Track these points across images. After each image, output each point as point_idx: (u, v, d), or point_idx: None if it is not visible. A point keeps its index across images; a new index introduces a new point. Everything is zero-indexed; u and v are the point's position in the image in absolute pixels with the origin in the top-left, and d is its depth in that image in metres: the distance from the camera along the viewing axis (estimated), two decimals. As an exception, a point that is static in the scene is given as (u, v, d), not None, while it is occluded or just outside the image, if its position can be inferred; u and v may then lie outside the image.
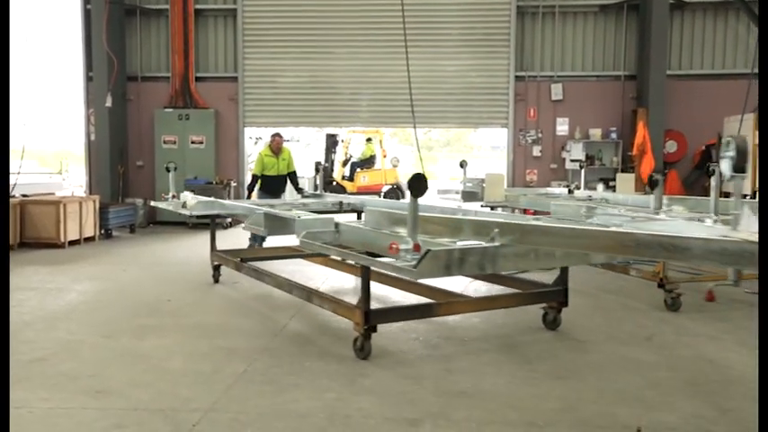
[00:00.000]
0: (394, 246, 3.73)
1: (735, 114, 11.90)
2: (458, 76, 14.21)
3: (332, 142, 17.71)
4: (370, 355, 4.87)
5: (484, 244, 3.74)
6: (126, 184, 14.25)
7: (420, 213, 3.87)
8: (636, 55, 13.81)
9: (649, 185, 5.99)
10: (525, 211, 9.39)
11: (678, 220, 4.80)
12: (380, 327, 5.01)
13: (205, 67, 14.58)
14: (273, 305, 6.58)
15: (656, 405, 3.96)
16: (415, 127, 10.99)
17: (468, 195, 8.49)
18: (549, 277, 5.76)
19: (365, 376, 4.43)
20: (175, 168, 7.69)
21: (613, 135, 13.86)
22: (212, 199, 7.91)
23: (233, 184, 14.08)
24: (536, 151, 14.12)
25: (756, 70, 10.06)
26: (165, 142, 14.21)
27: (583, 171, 9.60)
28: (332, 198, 8.34)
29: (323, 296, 5.57)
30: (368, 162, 18.61)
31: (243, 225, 5.76)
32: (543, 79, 14.07)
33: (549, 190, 10.02)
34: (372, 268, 4.58)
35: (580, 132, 13.90)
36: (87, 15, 14.17)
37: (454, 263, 3.62)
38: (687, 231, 3.85)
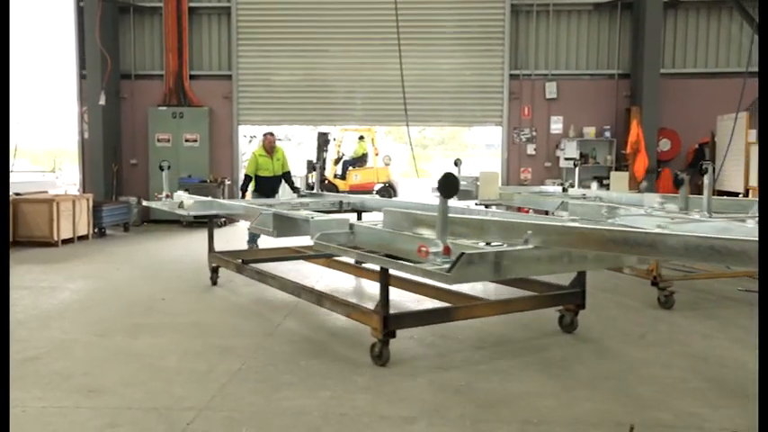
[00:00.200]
0: (423, 249, 3.58)
1: (728, 113, 11.96)
2: (452, 74, 14.21)
3: (323, 141, 17.69)
4: (361, 355, 4.86)
5: (518, 246, 3.60)
6: (120, 182, 14.20)
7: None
8: (630, 53, 13.85)
9: (675, 185, 5.77)
10: (520, 209, 9.42)
11: (718, 222, 4.56)
12: (368, 327, 4.99)
13: (199, 65, 14.53)
14: (268, 304, 6.57)
15: (650, 402, 3.98)
16: (407, 125, 11.00)
17: (463, 194, 8.48)
18: (554, 278, 5.71)
19: (360, 374, 4.43)
20: (169, 167, 7.51)
21: (607, 133, 13.90)
22: (210, 199, 7.87)
23: (227, 182, 14.05)
24: (530, 149, 14.14)
25: (750, 69, 10.13)
26: (158, 140, 14.16)
27: (577, 169, 9.63)
28: (331, 197, 8.17)
29: (335, 300, 5.38)
30: (360, 160, 18.59)
31: (248, 225, 5.51)
32: (537, 77, 14.09)
33: (544, 188, 10.04)
34: (392, 272, 4.46)
35: (574, 131, 13.93)
36: (80, 13, 14.10)
37: (489, 266, 3.47)
38: (738, 233, 3.72)
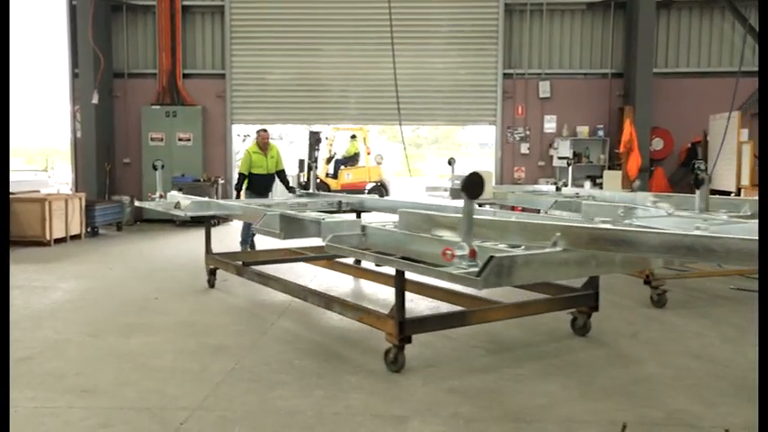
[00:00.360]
0: (448, 251, 3.42)
1: (720, 112, 12.02)
2: (446, 73, 14.22)
3: (315, 140, 17.70)
4: (355, 354, 4.87)
5: (546, 249, 3.46)
6: (113, 181, 14.15)
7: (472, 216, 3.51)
8: (623, 53, 13.89)
9: (695, 185, 5.60)
10: (513, 209, 9.44)
11: (751, 222, 4.37)
12: (362, 325, 4.97)
13: (192, 63, 14.49)
14: (262, 303, 6.56)
15: (642, 400, 4.00)
16: (401, 124, 10.99)
17: (457, 192, 8.50)
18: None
19: (353, 374, 4.44)
20: (162, 167, 7.36)
21: (600, 132, 13.93)
22: (207, 199, 7.79)
23: (220, 181, 14.02)
24: (524, 148, 14.17)
25: (743, 69, 10.18)
26: (152, 139, 14.11)
27: (570, 168, 9.68)
28: (329, 197, 7.97)
29: (345, 303, 5.22)
30: (352, 159, 18.59)
31: (253, 227, 5.25)
32: (531, 77, 14.11)
33: (537, 187, 10.06)
34: (408, 276, 4.34)
35: (567, 130, 13.96)
36: (73, 11, 14.03)
37: (518, 270, 3.31)
38: None
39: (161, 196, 7.20)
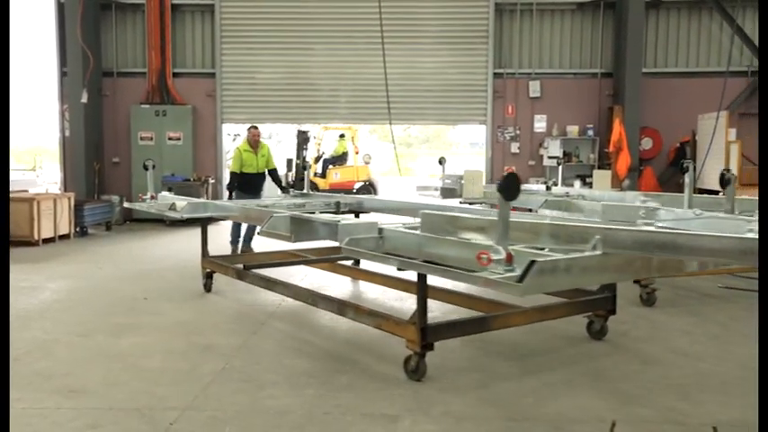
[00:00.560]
0: (484, 256, 3.23)
1: (708, 112, 12.10)
2: (436, 72, 14.23)
3: (303, 139, 17.68)
4: (346, 353, 4.86)
5: (586, 253, 3.34)
6: (102, 180, 14.06)
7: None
8: (612, 53, 13.95)
9: (721, 185, 5.51)
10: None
11: None
12: (351, 323, 4.92)
13: (182, 62, 14.42)
14: (252, 302, 6.54)
15: (631, 398, 4.02)
16: (391, 123, 10.98)
17: (447, 192, 8.52)
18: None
19: (343, 373, 4.44)
20: (154, 166, 7.08)
21: (590, 132, 13.99)
22: (204, 200, 7.67)
23: (211, 180, 13.97)
24: (514, 148, 14.21)
25: (730, 69, 10.27)
26: (141, 138, 14.03)
27: (560, 168, 9.70)
28: (326, 197, 7.74)
29: (360, 309, 4.98)
30: (340, 159, 18.58)
31: (260, 229, 5.01)
32: (521, 76, 14.15)
33: (527, 186, 10.08)
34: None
35: (557, 129, 14.01)
36: (61, 9, 13.93)
37: (559, 276, 3.17)
38: None
39: (152, 197, 6.97)
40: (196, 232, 7.94)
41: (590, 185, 12.48)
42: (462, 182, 8.22)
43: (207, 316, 6.05)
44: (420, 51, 14.16)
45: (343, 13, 14.12)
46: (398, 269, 4.08)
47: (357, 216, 7.30)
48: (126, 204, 8.30)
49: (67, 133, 14.08)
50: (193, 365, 4.57)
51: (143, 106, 14.06)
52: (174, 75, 14.29)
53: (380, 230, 4.32)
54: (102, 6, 14.16)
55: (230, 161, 16.89)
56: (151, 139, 14.02)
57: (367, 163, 18.72)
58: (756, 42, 13.50)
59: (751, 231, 3.73)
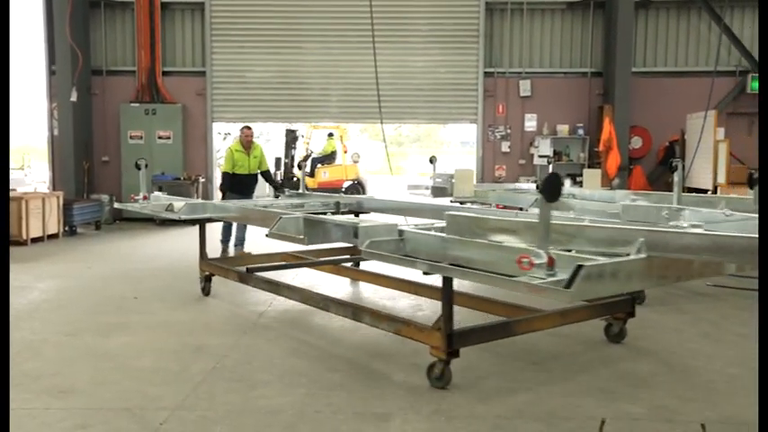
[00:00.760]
0: (525, 259, 3.09)
1: (697, 111, 12.17)
2: (427, 71, 14.24)
3: (291, 138, 17.64)
4: (337, 351, 4.85)
5: (631, 257, 3.21)
6: (91, 179, 13.97)
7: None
8: (602, 52, 14.01)
9: (749, 185, 5.44)
10: (496, 207, 9.48)
11: None
12: (343, 321, 4.88)
13: (172, 61, 14.35)
14: (243, 301, 6.53)
15: (621, 396, 4.04)
16: (382, 122, 10.96)
17: (438, 191, 8.53)
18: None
19: (334, 371, 4.43)
20: (146, 166, 6.85)
21: (580, 131, 14.05)
22: (202, 201, 7.55)
23: (201, 180, 13.92)
24: (505, 147, 14.24)
25: (718, 68, 10.34)
26: (131, 137, 13.95)
27: (550, 167, 9.75)
28: (324, 197, 7.57)
29: (378, 315, 4.79)
30: (329, 158, 18.56)
31: (267, 232, 4.82)
32: (512, 75, 14.18)
33: (518, 185, 10.13)
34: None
35: (548, 128, 14.05)
36: (49, 7, 13.83)
37: (606, 280, 3.02)
38: None
39: (145, 198, 6.76)
40: (186, 231, 7.93)
41: (580, 184, 12.49)
42: (453, 181, 8.24)
43: (198, 315, 6.03)
44: (411, 50, 14.17)
45: (335, 11, 14.09)
46: (424, 273, 3.91)
47: (357, 216, 7.12)
48: (118, 205, 8.15)
49: (56, 132, 13.98)
50: (184, 365, 4.55)
51: (133, 105, 13.98)
52: (164, 73, 14.22)
53: (401, 232, 4.19)
54: (90, 4, 14.06)
55: (221, 160, 16.88)
56: (141, 137, 13.94)
57: (356, 162, 18.71)
58: (744, 42, 13.62)
59: None
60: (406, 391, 4.09)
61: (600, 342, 5.18)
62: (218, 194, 14.77)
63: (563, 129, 14.07)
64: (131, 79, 14.19)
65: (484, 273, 3.40)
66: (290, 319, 5.87)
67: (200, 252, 6.78)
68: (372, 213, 7.06)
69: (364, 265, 6.93)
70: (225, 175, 9.31)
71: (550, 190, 3.02)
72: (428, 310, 6.06)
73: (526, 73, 14.17)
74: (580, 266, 2.87)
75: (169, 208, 6.30)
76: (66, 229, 11.66)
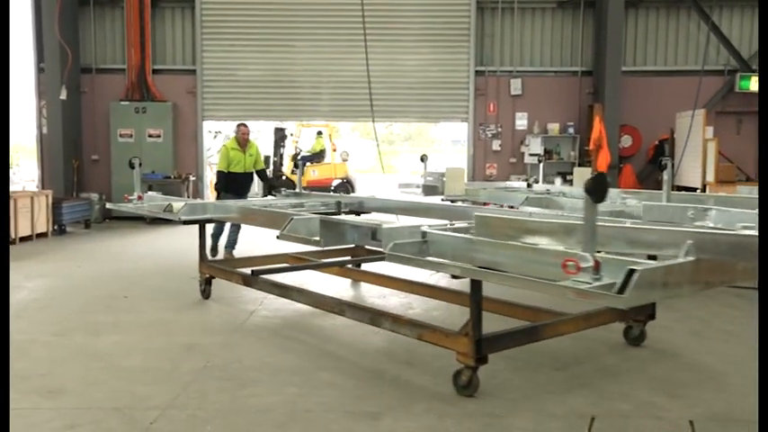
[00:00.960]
0: (571, 263, 2.93)
1: (686, 110, 12.24)
2: (418, 70, 14.25)
3: (280, 136, 17.59)
4: (328, 349, 4.85)
5: (680, 260, 3.07)
6: (81, 178, 13.88)
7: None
8: (592, 51, 14.06)
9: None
10: (485, 205, 9.51)
11: None
12: (334, 319, 4.87)
13: (162, 59, 14.28)
14: (234, 300, 6.51)
15: (610, 393, 4.06)
16: (373, 121, 10.96)
17: (429, 189, 8.54)
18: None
19: (325, 370, 4.43)
20: (140, 164, 6.64)
21: (571, 130, 14.10)
22: (203, 201, 7.40)
23: (192, 178, 13.87)
24: (495, 145, 14.27)
25: (706, 67, 10.40)
26: (121, 136, 13.87)
27: (541, 165, 9.76)
28: (323, 197, 7.39)
29: (399, 320, 4.60)
30: (318, 156, 18.55)
31: (278, 234, 4.62)
32: (503, 74, 14.21)
33: (509, 184, 10.15)
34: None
35: (538, 127, 14.10)
36: (38, 4, 13.73)
37: (658, 285, 2.89)
38: None
39: (139, 197, 6.56)
40: (177, 230, 7.90)
41: (571, 183, 12.55)
42: (444, 179, 8.25)
43: (188, 314, 6.01)
44: (402, 49, 14.17)
45: (326, 10, 14.07)
46: (453, 277, 3.69)
47: (358, 216, 6.72)
48: (111, 206, 7.91)
49: (45, 130, 13.89)
50: (174, 364, 4.53)
51: (122, 103, 13.91)
52: (154, 71, 14.15)
53: (424, 234, 4.01)
54: (80, 1, 13.97)
55: (212, 159, 16.83)
56: (131, 136, 13.87)
57: (345, 160, 18.70)
58: (732, 42, 13.71)
59: None
60: (396, 390, 4.09)
61: (586, 340, 5.20)
62: (208, 193, 14.77)
63: (554, 127, 14.12)
64: (121, 77, 14.11)
65: (523, 277, 3.20)
66: (282, 317, 5.87)
67: (200, 254, 6.59)
68: (373, 213, 6.85)
69: (365, 266, 6.86)
70: (220, 173, 9.09)
71: (597, 190, 2.88)
72: (418, 308, 6.07)
73: (517, 72, 14.21)
74: (632, 270, 2.74)
75: (168, 209, 6.09)
76: (56, 227, 11.59)
